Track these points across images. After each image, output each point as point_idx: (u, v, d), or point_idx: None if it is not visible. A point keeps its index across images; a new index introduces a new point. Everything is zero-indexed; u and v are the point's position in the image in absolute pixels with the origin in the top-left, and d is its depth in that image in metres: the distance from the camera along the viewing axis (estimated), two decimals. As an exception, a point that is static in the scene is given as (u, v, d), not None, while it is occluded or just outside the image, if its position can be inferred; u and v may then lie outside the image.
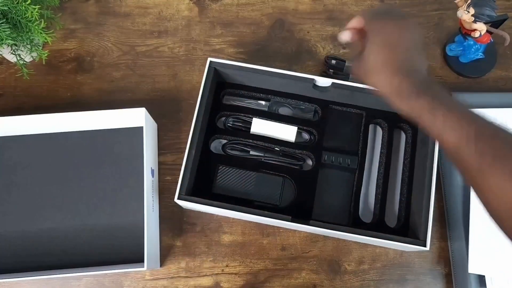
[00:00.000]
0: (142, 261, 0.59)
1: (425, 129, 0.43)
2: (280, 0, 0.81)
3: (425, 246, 0.58)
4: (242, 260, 0.67)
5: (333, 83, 0.65)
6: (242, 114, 0.70)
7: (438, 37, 0.78)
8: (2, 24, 0.63)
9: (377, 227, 0.63)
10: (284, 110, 0.71)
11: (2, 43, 0.64)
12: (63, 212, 0.68)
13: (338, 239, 0.67)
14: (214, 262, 0.67)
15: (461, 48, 0.74)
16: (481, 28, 0.66)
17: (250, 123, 0.69)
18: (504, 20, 0.67)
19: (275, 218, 0.59)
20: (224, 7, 0.80)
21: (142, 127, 0.65)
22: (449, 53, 0.75)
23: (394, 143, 0.69)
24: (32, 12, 0.64)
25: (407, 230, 0.64)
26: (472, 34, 0.68)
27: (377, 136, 0.71)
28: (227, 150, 0.68)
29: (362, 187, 0.66)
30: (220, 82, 0.70)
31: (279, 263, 0.67)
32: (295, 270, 0.67)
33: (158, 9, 0.80)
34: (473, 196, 0.65)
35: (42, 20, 0.67)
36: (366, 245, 0.67)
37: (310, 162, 0.68)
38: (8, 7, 0.63)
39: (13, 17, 0.65)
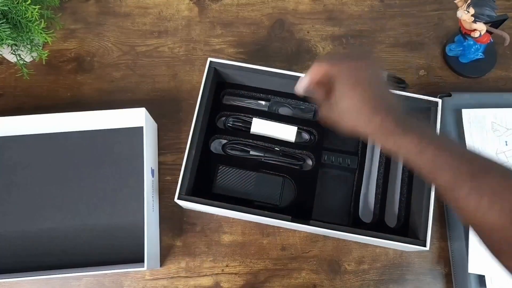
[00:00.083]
0: (142, 261, 0.59)
1: (409, 166, 0.42)
2: (280, 0, 0.81)
3: (425, 246, 0.58)
4: (242, 260, 0.67)
5: (333, 83, 0.65)
6: (242, 114, 0.70)
7: (438, 37, 0.78)
8: (2, 24, 0.63)
9: (377, 227, 0.63)
10: (284, 110, 0.71)
11: (2, 43, 0.64)
12: (63, 212, 0.67)
13: (338, 239, 0.67)
14: (214, 262, 0.67)
15: (461, 48, 0.74)
16: (481, 28, 0.66)
17: (250, 123, 0.69)
18: (504, 20, 0.67)
19: (275, 218, 0.59)
20: (224, 7, 0.80)
21: (142, 127, 0.65)
22: (449, 53, 0.75)
23: (394, 143, 0.69)
24: (32, 12, 0.64)
25: (407, 230, 0.64)
26: (472, 34, 0.68)
27: (377, 136, 0.71)
28: (227, 150, 0.68)
29: (362, 187, 0.66)
30: (220, 82, 0.70)
31: (279, 263, 0.67)
32: (295, 270, 0.67)
33: (158, 9, 0.80)
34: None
35: (42, 20, 0.67)
36: (366, 245, 0.67)
37: (310, 162, 0.68)
38: (8, 7, 0.63)
39: (13, 17, 0.65)
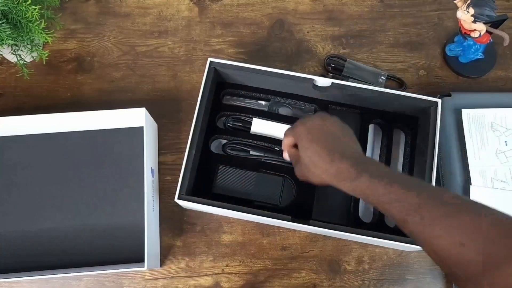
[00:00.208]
0: (142, 261, 0.59)
1: (370, 204, 0.46)
2: (280, 0, 0.81)
3: (425, 246, 0.58)
4: (242, 260, 0.67)
5: (332, 83, 0.65)
6: (242, 114, 0.70)
7: (438, 37, 0.78)
8: (3, 24, 0.63)
9: (377, 227, 0.63)
10: (284, 110, 0.71)
11: (3, 43, 0.64)
12: (63, 212, 0.68)
13: (338, 239, 0.67)
14: (214, 262, 0.67)
15: (461, 48, 0.74)
16: (480, 28, 0.66)
17: (250, 123, 0.69)
18: (504, 20, 0.67)
19: (275, 218, 0.59)
20: (224, 7, 0.80)
21: (142, 127, 0.65)
22: (449, 53, 0.75)
23: (394, 143, 0.69)
24: (32, 12, 0.64)
25: (407, 230, 0.64)
26: (472, 34, 0.68)
27: (376, 136, 0.71)
28: (227, 150, 0.68)
29: (362, 187, 0.66)
30: (220, 82, 0.70)
31: (279, 263, 0.67)
32: (295, 270, 0.67)
33: (158, 9, 0.80)
34: (473, 196, 0.65)
35: (43, 20, 0.67)
36: (366, 245, 0.67)
37: (310, 162, 0.68)
38: (9, 7, 0.63)
39: (14, 17, 0.65)
